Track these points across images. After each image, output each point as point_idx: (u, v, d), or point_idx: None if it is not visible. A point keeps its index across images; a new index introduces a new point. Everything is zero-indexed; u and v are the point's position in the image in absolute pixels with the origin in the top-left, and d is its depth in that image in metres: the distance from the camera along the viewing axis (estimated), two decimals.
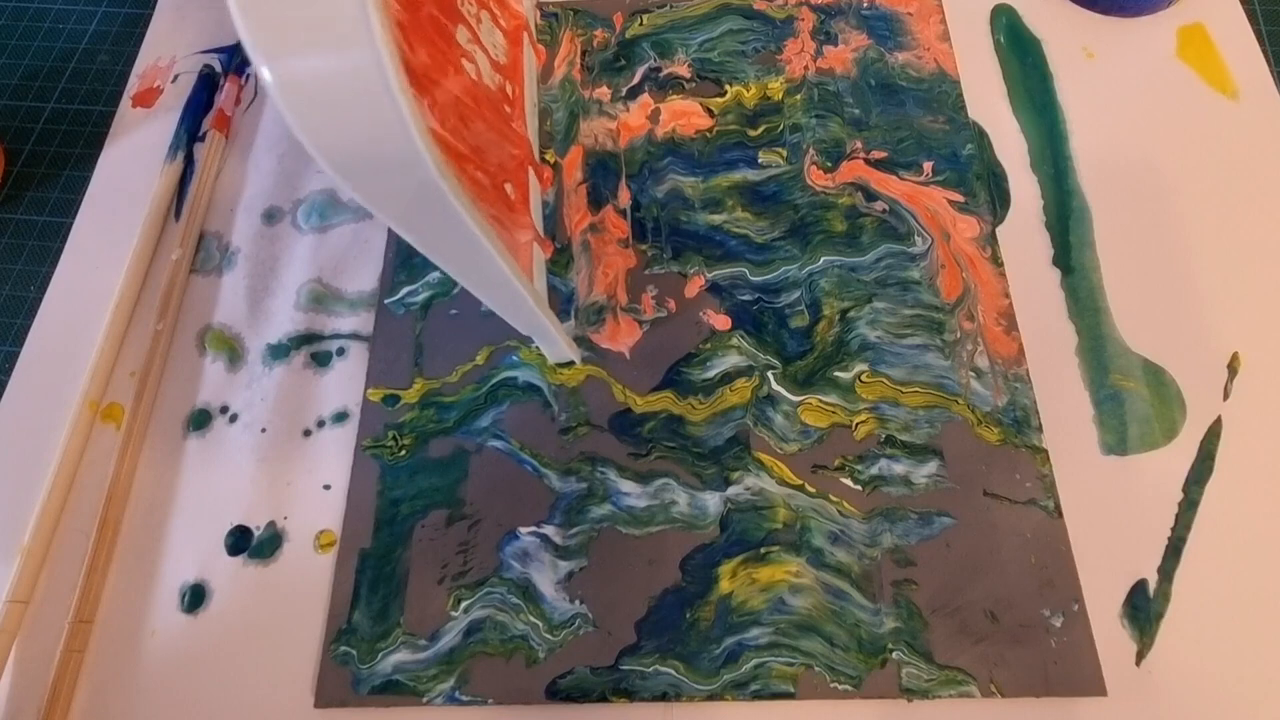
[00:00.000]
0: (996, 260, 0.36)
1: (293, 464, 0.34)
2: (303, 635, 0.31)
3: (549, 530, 0.32)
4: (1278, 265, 0.36)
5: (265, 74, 0.16)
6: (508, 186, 0.30)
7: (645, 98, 0.41)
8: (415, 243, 0.23)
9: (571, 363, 0.35)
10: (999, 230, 0.37)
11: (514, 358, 0.35)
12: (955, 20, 0.43)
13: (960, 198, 0.38)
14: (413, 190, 0.21)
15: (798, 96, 0.41)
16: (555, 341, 0.32)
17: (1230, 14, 0.42)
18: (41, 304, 0.38)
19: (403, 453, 0.34)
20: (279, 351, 0.36)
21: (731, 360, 0.35)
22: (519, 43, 0.36)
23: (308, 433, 0.35)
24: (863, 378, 0.34)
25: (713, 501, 0.32)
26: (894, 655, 0.30)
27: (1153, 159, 0.39)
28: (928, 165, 0.38)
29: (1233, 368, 0.34)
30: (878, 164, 0.39)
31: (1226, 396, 0.34)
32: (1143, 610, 0.30)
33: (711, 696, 0.29)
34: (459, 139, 0.27)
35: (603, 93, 0.42)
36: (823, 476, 0.33)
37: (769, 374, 0.34)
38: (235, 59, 0.44)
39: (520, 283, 0.27)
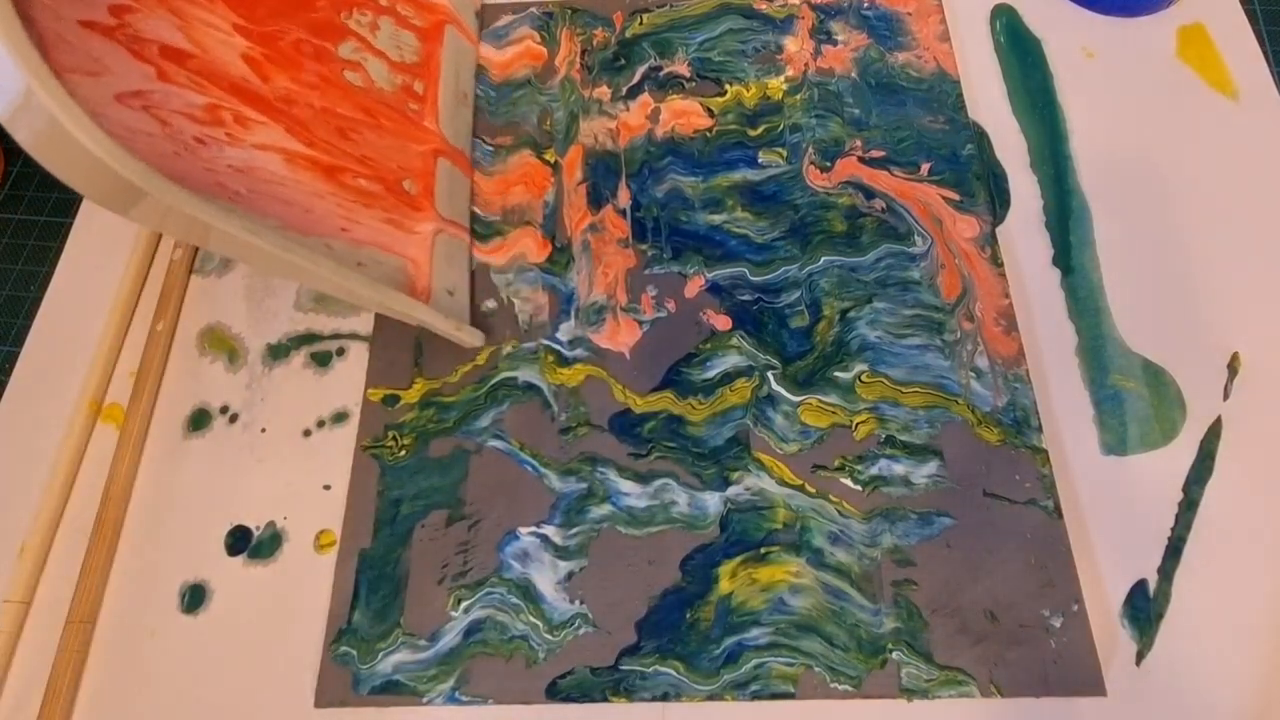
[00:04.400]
0: (996, 260, 0.36)
1: (293, 464, 0.34)
2: (303, 635, 0.31)
3: (549, 530, 0.32)
4: (1278, 265, 0.36)
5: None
6: (406, 183, 0.33)
7: (645, 97, 0.41)
8: (234, 257, 0.27)
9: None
10: (999, 230, 0.37)
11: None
12: (955, 20, 0.43)
13: (955, 194, 0.38)
14: (162, 213, 0.23)
15: (798, 96, 0.41)
16: (446, 330, 0.33)
17: (1230, 14, 0.42)
18: (41, 304, 0.38)
19: (403, 453, 0.34)
20: (279, 351, 0.36)
21: (731, 360, 0.35)
22: (437, 38, 0.38)
23: (308, 433, 0.35)
24: (863, 378, 0.34)
25: (713, 501, 0.32)
26: (894, 655, 0.30)
27: (1153, 159, 0.39)
28: (925, 166, 0.38)
29: (1233, 368, 0.34)
30: (871, 161, 0.39)
31: (1226, 396, 0.34)
32: (1143, 610, 0.30)
33: (711, 697, 0.29)
34: (332, 152, 0.30)
35: (602, 92, 0.42)
36: (823, 477, 0.33)
37: (769, 374, 0.34)
38: None
39: (361, 279, 0.29)
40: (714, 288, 0.36)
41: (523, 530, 0.32)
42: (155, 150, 0.24)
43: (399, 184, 0.33)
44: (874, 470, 0.33)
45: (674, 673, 0.30)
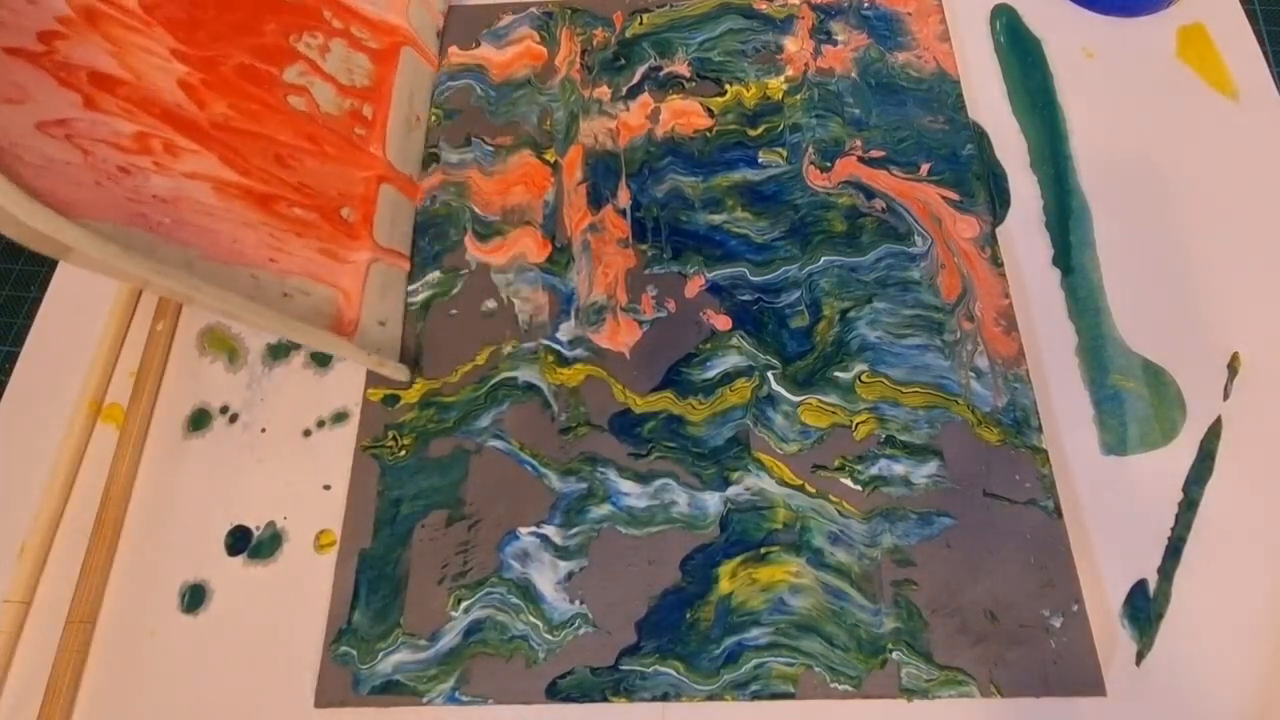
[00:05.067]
0: (996, 260, 0.36)
1: (293, 464, 0.34)
2: (303, 635, 0.31)
3: (549, 530, 0.32)
4: (1278, 265, 0.36)
5: None
6: (345, 211, 0.33)
7: (645, 97, 0.41)
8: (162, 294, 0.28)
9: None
10: (999, 230, 0.37)
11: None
12: (955, 20, 0.43)
13: (955, 194, 0.38)
14: (96, 263, 0.24)
15: (798, 96, 0.41)
16: (373, 365, 0.33)
17: (1230, 14, 0.42)
18: (41, 304, 0.38)
19: (403, 453, 0.34)
20: (279, 351, 0.36)
21: (731, 360, 0.35)
22: (391, 60, 0.38)
23: (308, 433, 0.35)
24: (863, 378, 0.34)
25: (713, 501, 0.32)
26: (894, 655, 0.30)
27: (1153, 159, 0.39)
28: (925, 167, 0.38)
29: (1233, 368, 0.34)
30: (871, 161, 0.39)
31: (1226, 396, 0.34)
32: (1143, 610, 0.30)
33: (711, 696, 0.29)
34: (268, 181, 0.30)
35: (602, 92, 0.42)
36: (823, 477, 0.33)
37: (769, 374, 0.34)
38: None
39: (282, 321, 0.29)
40: (714, 288, 0.36)
41: (523, 530, 0.32)
42: (73, 180, 0.24)
43: (336, 212, 0.33)
44: (874, 470, 0.33)
45: (674, 673, 0.30)
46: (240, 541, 0.33)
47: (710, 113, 0.41)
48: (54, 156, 0.24)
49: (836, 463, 0.33)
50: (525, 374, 0.35)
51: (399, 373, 0.34)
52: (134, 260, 0.24)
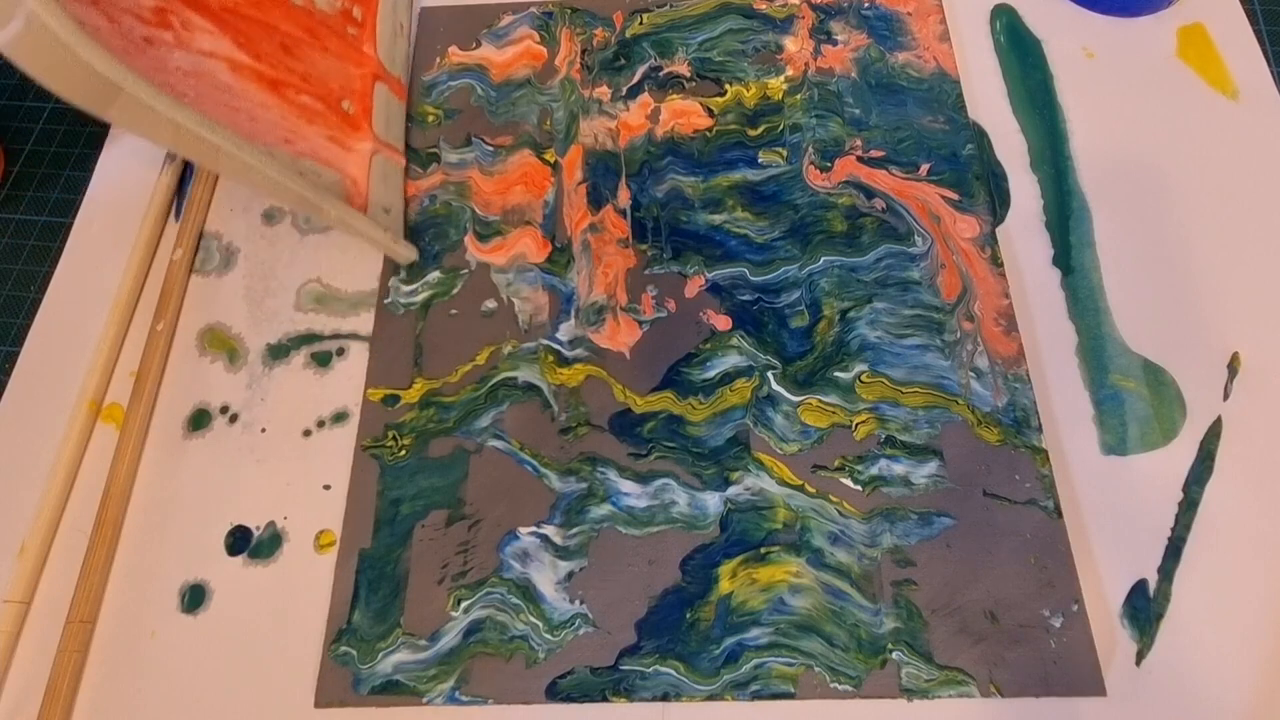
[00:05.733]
0: (996, 260, 0.36)
1: (293, 464, 0.34)
2: (303, 635, 0.31)
3: (549, 530, 0.32)
4: (1278, 265, 0.36)
5: None
6: (345, 104, 0.35)
7: (645, 97, 0.41)
8: (190, 158, 0.29)
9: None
10: (999, 230, 0.37)
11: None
12: (955, 20, 0.43)
13: (954, 194, 0.38)
14: (137, 113, 0.25)
15: (798, 96, 0.41)
16: (383, 244, 0.35)
17: (1230, 14, 0.42)
18: (41, 304, 0.38)
19: (403, 453, 0.34)
20: (279, 351, 0.36)
21: (731, 360, 0.35)
22: None
23: (308, 433, 0.35)
24: (863, 378, 0.34)
25: (713, 501, 0.32)
26: (894, 655, 0.30)
27: (1153, 159, 0.39)
28: (924, 167, 0.38)
29: (1233, 368, 0.34)
30: (871, 161, 0.39)
31: (1226, 396, 0.34)
32: (1143, 610, 0.30)
33: (711, 697, 0.29)
34: (277, 67, 0.32)
35: (602, 92, 0.42)
36: (823, 477, 0.33)
37: (769, 374, 0.34)
38: None
39: (309, 186, 0.31)
40: (714, 288, 0.36)
41: (523, 530, 0.32)
42: (104, 46, 0.25)
43: (338, 104, 0.35)
44: (874, 470, 0.33)
45: (674, 673, 0.30)
46: (240, 541, 0.33)
47: (710, 113, 0.41)
48: (84, 20, 0.25)
49: (836, 463, 0.33)
50: (525, 374, 0.35)
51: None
52: (178, 108, 0.26)
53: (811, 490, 0.32)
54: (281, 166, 0.30)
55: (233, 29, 0.31)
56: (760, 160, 0.39)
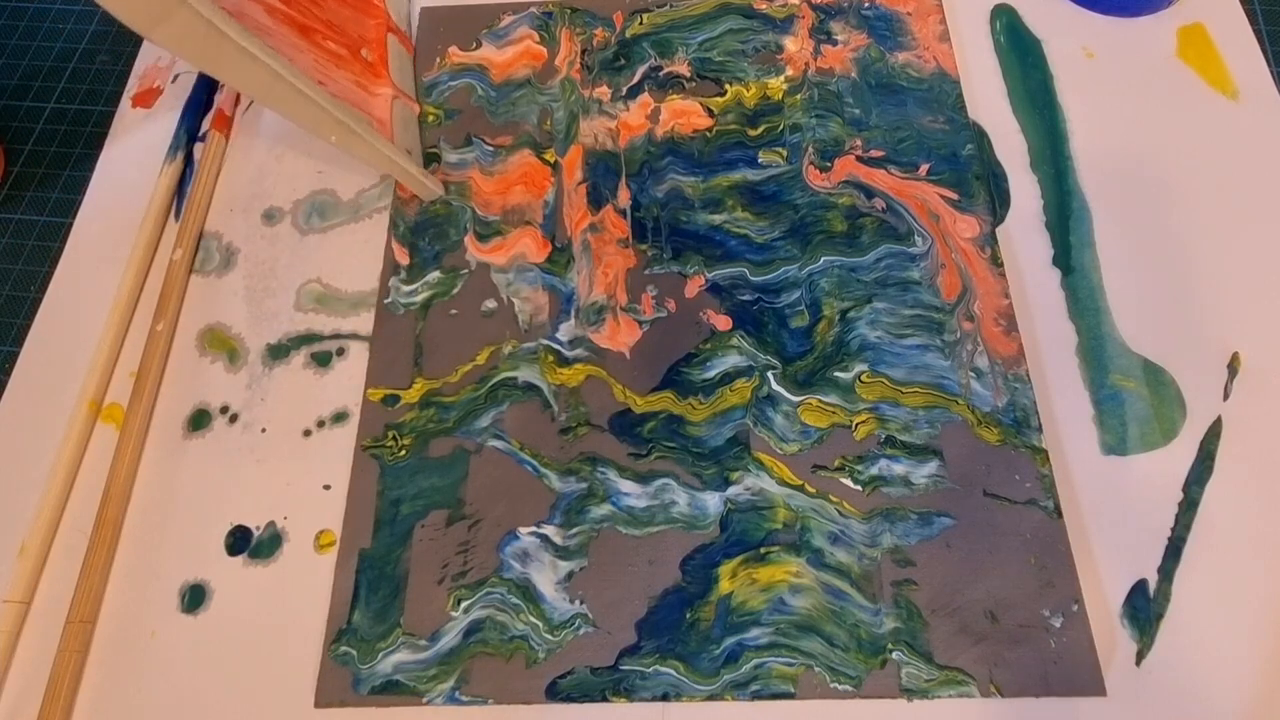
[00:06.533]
0: (996, 260, 0.36)
1: (293, 464, 0.34)
2: (303, 635, 0.31)
3: (549, 530, 0.32)
4: (1278, 265, 0.36)
5: None
6: (364, 51, 0.37)
7: (645, 97, 0.41)
8: (240, 88, 0.30)
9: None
10: (999, 230, 0.37)
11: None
12: (955, 20, 0.43)
13: (954, 194, 0.38)
14: (190, 29, 0.26)
15: (798, 96, 0.41)
16: (412, 179, 0.37)
17: (1230, 14, 0.42)
18: (41, 304, 0.38)
19: (403, 453, 0.34)
20: (279, 351, 0.36)
21: (731, 360, 0.35)
22: None
23: (308, 433, 0.35)
24: (863, 378, 0.34)
25: (713, 501, 0.32)
26: (894, 655, 0.30)
27: (1153, 159, 0.39)
28: (924, 167, 0.38)
29: (1233, 368, 0.34)
30: (870, 161, 0.39)
31: (1226, 396, 0.34)
32: (1143, 610, 0.30)
33: (711, 697, 0.29)
34: (306, 15, 0.34)
35: (602, 92, 0.42)
36: (823, 477, 0.33)
37: (769, 374, 0.34)
38: None
39: (350, 118, 0.33)
40: (714, 288, 0.36)
41: (523, 530, 0.32)
42: None
43: (359, 51, 0.37)
44: (874, 470, 0.33)
45: (674, 673, 0.30)
46: (240, 541, 0.33)
47: (710, 113, 0.41)
48: None
49: (836, 463, 0.33)
50: (525, 374, 0.35)
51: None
52: (241, 31, 0.27)
53: (811, 490, 0.32)
54: (327, 98, 0.32)
55: None
56: (760, 160, 0.39)
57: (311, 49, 0.34)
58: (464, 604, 0.31)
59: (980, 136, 0.40)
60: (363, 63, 0.37)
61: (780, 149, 0.39)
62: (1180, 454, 0.33)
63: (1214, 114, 0.40)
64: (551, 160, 0.40)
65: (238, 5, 0.30)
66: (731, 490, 0.32)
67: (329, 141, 0.33)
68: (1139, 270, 0.36)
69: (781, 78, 0.41)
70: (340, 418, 0.35)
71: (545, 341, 0.36)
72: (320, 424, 0.35)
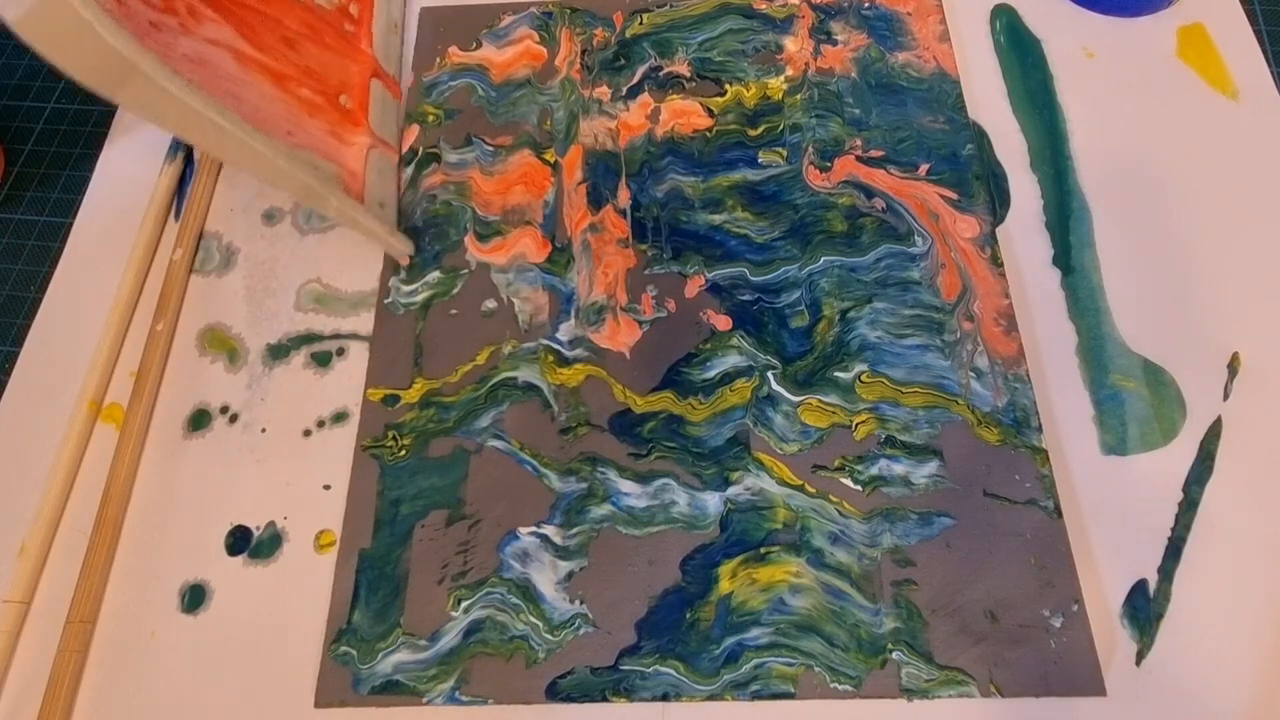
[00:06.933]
0: (996, 260, 0.36)
1: (293, 464, 0.34)
2: (303, 635, 0.31)
3: (549, 530, 0.32)
4: (1278, 265, 0.36)
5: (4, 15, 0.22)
6: (343, 98, 0.36)
7: (645, 97, 0.41)
8: (198, 146, 0.29)
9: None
10: (999, 230, 0.37)
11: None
12: (955, 20, 0.43)
13: (954, 194, 0.38)
14: (150, 95, 0.26)
15: (798, 96, 0.41)
16: (378, 237, 0.36)
17: (1230, 14, 0.42)
18: (41, 304, 0.38)
19: (403, 453, 0.34)
20: (279, 351, 0.36)
21: (731, 360, 0.35)
22: None
23: (308, 433, 0.35)
24: (863, 378, 0.34)
25: (713, 501, 0.32)
26: (894, 655, 0.30)
27: (1153, 159, 0.39)
28: (923, 168, 0.38)
29: (1233, 368, 0.34)
30: (870, 161, 0.39)
31: (1226, 396, 0.34)
32: (1143, 610, 0.30)
33: (711, 697, 0.29)
34: (280, 60, 0.33)
35: (602, 92, 0.42)
36: (823, 477, 0.33)
37: (769, 374, 0.34)
38: None
39: (315, 177, 0.32)
40: (714, 288, 0.36)
41: (523, 530, 0.32)
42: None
43: (337, 98, 0.36)
44: (874, 470, 0.33)
45: (674, 673, 0.30)
46: (240, 541, 0.33)
47: (710, 113, 0.41)
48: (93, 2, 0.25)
49: (836, 463, 0.33)
50: (525, 374, 0.35)
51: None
52: (190, 92, 0.26)
53: (811, 490, 0.32)
54: (289, 155, 0.31)
55: (236, 18, 0.31)
56: (760, 160, 0.39)
57: (283, 98, 0.33)
58: (464, 604, 0.31)
59: (980, 136, 0.40)
60: (340, 110, 0.36)
61: (780, 149, 0.39)
62: (1180, 454, 0.33)
63: (1214, 114, 0.40)
64: (551, 160, 0.40)
65: (201, 53, 0.29)
66: (731, 490, 0.32)
67: (288, 198, 0.32)
68: (1139, 270, 0.36)
69: (781, 78, 0.41)
70: (340, 418, 0.35)
71: (545, 341, 0.36)
72: (320, 424, 0.35)
